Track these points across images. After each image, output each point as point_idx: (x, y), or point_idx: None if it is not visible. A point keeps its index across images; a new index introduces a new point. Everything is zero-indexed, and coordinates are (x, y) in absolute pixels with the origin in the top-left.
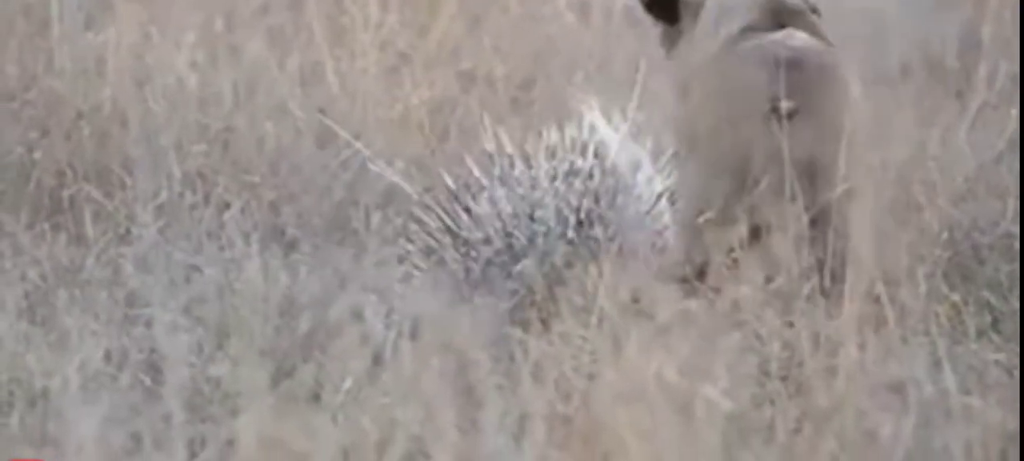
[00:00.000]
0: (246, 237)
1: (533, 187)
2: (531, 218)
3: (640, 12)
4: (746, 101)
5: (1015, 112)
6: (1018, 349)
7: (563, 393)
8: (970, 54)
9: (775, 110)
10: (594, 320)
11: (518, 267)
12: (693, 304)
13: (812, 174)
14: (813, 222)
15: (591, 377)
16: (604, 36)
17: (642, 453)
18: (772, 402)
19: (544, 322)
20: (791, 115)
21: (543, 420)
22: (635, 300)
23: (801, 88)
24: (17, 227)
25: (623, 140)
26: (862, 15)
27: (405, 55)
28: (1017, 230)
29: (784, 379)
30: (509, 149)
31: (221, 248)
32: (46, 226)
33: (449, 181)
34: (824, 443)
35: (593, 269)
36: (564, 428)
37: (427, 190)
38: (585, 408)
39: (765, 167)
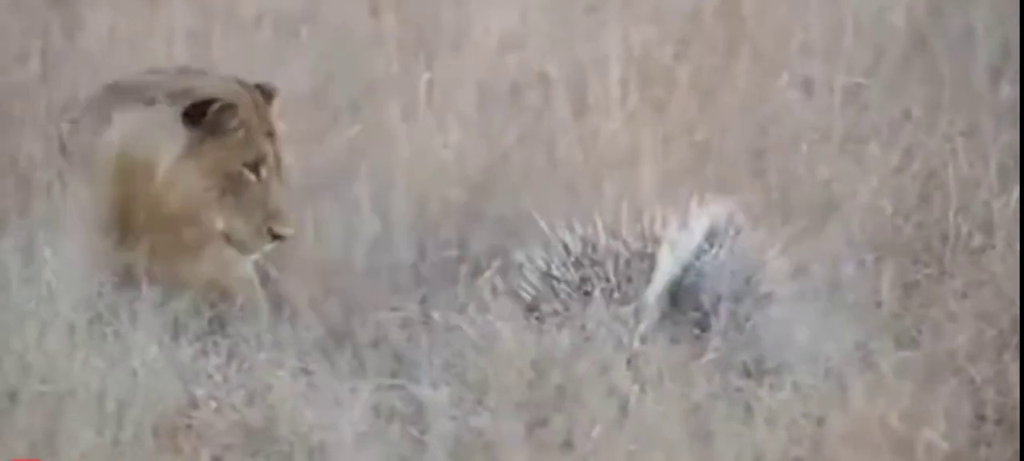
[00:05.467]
0: (498, 299)
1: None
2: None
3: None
4: None
5: None
6: None
7: (794, 437)
8: None
9: None
10: (821, 370)
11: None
12: (912, 353)
13: None
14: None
15: (820, 422)
16: (827, 110)
17: None
18: (988, 444)
19: (775, 372)
20: None
21: None
22: (858, 349)
23: None
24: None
25: None
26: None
27: (644, 130)
28: None
29: (999, 422)
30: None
31: (480, 309)
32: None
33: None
34: None
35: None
36: None
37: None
38: (815, 451)
39: None
